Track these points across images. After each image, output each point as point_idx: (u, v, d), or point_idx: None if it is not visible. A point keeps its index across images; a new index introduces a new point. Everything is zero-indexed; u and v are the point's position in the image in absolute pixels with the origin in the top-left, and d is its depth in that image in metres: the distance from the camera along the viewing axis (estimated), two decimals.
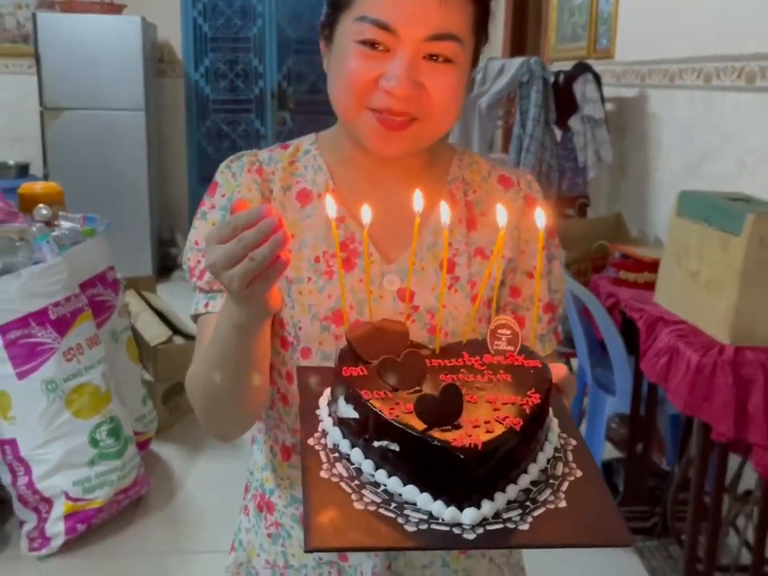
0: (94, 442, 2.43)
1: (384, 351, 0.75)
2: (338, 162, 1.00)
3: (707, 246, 2.07)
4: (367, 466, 0.70)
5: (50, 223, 2.66)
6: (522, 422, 0.67)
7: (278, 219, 0.71)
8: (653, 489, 2.58)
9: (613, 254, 2.69)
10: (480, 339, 0.83)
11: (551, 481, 0.70)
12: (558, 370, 0.82)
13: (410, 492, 0.67)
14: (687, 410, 1.95)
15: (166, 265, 5.68)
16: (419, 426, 0.67)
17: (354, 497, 0.67)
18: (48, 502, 2.38)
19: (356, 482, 0.69)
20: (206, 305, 0.96)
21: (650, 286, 2.37)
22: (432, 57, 0.87)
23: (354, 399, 0.72)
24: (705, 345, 1.96)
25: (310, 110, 5.96)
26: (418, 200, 0.81)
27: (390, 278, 0.96)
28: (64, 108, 5.15)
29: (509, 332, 0.79)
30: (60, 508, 2.38)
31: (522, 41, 5.26)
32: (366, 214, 0.79)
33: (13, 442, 2.36)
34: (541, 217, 0.84)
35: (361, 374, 0.75)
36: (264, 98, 6.04)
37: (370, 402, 0.70)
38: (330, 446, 0.73)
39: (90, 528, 2.45)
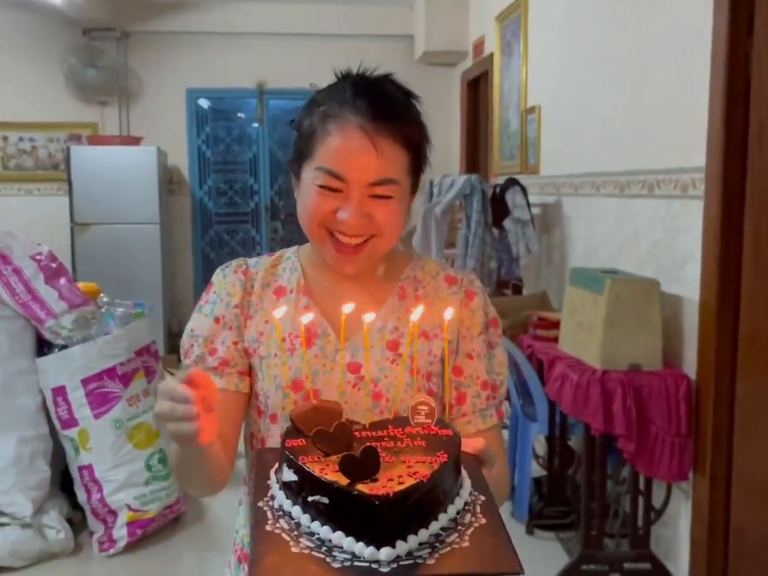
0: (149, 467, 3.22)
1: (321, 426, 0.88)
2: (311, 266, 1.22)
3: (586, 303, 2.97)
4: (305, 519, 0.82)
5: (109, 307, 3.54)
6: (428, 475, 0.80)
7: (194, 413, 0.86)
8: (570, 494, 3.39)
9: (532, 318, 3.58)
10: (403, 417, 0.96)
11: (459, 527, 0.83)
12: (476, 443, 0.96)
13: (338, 537, 0.79)
14: (572, 414, 2.81)
15: (175, 352, 6.52)
16: (344, 481, 0.80)
17: (291, 543, 0.79)
18: (114, 513, 3.17)
19: (295, 532, 0.81)
20: None
21: (557, 338, 3.26)
22: (375, 196, 1.09)
23: (293, 465, 0.85)
24: (584, 370, 2.83)
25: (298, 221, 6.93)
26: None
27: (342, 354, 1.15)
28: (91, 223, 6.07)
29: (427, 408, 0.93)
30: (123, 517, 3.16)
31: (475, 159, 6.31)
32: (307, 318, 1.03)
33: (90, 467, 3.15)
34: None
35: (300, 444, 0.88)
36: (259, 210, 7.03)
37: (306, 465, 0.83)
38: (275, 506, 0.86)
39: (146, 533, 3.22)
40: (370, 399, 1.08)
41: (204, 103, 6.94)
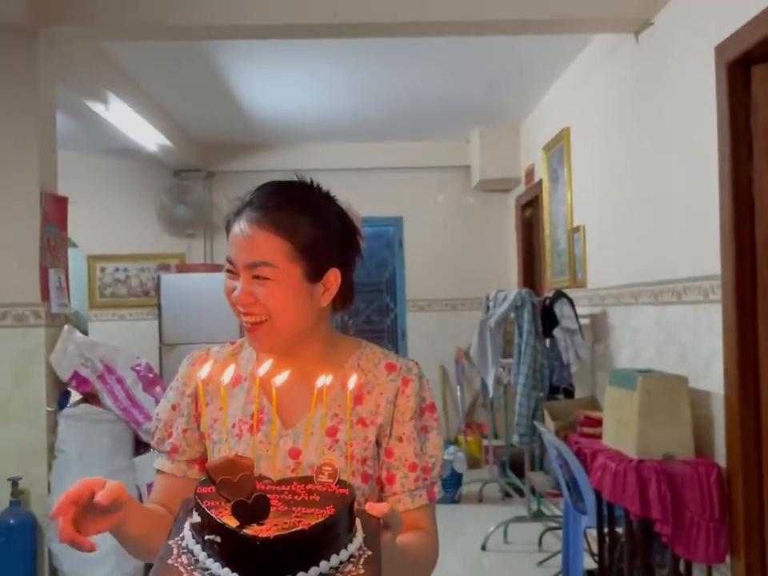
0: None
1: (232, 478, 0.95)
2: (264, 354, 1.29)
3: (623, 400, 3.28)
4: (203, 556, 0.91)
5: None
6: (310, 524, 0.88)
7: (61, 529, 1.03)
8: None
9: (580, 417, 3.87)
10: (309, 476, 1.02)
11: (338, 575, 0.90)
12: (381, 507, 1.02)
13: (225, 573, 0.87)
14: (612, 500, 3.07)
15: None
16: (235, 523, 0.88)
17: (185, 574, 0.89)
18: None
19: (191, 567, 0.90)
20: (155, 462, 1.34)
21: (601, 435, 3.55)
22: (257, 277, 1.22)
23: (198, 508, 0.93)
24: (621, 459, 3.11)
25: (366, 336, 7.39)
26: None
27: (285, 440, 1.23)
28: (177, 343, 6.63)
29: (330, 468, 1.00)
30: None
31: (530, 276, 6.72)
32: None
33: None
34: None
35: (209, 491, 0.96)
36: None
37: (207, 508, 0.91)
38: (183, 545, 0.95)
39: None
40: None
41: None
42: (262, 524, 0.89)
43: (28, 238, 3.54)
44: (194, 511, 0.96)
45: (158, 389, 3.76)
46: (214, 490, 0.95)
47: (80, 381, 3.61)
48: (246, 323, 1.24)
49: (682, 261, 3.46)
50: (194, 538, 0.94)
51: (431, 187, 7.46)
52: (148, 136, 5.95)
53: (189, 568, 0.90)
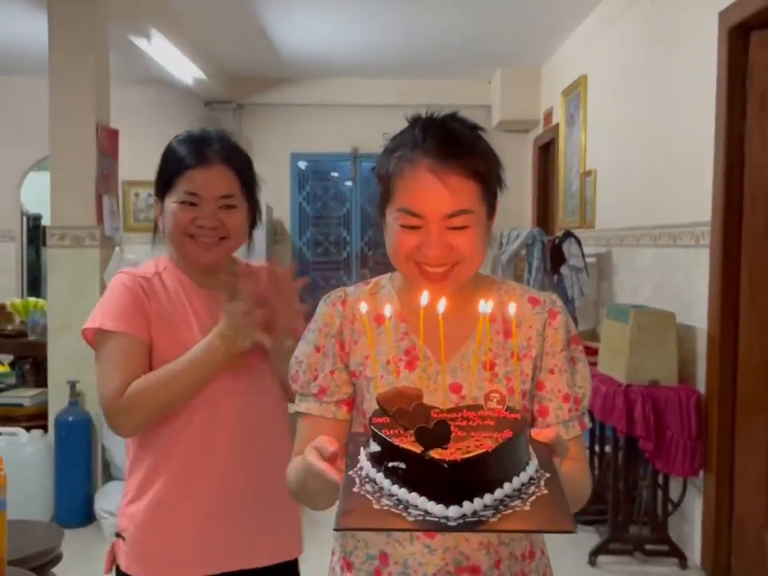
0: None
1: (406, 407, 0.99)
2: (405, 293, 1.28)
3: (616, 332, 3.65)
4: (386, 483, 0.94)
5: None
6: (493, 447, 0.91)
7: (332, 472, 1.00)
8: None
9: None
10: (478, 404, 1.05)
11: (522, 496, 0.92)
12: (548, 432, 1.04)
13: (413, 497, 0.91)
14: (601, 419, 3.48)
15: None
16: (418, 449, 0.91)
17: (373, 502, 0.92)
18: None
19: (377, 494, 0.94)
20: (298, 404, 1.30)
21: (597, 363, 3.93)
22: (452, 227, 1.17)
23: (377, 437, 0.97)
24: (612, 384, 3.51)
25: (384, 268, 7.76)
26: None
27: (443, 375, 1.18)
28: None
29: (498, 395, 1.02)
30: None
31: (544, 215, 7.03)
32: (388, 310, 1.11)
33: None
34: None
35: (384, 421, 0.99)
36: (350, 259, 7.91)
37: (387, 436, 0.95)
38: (363, 474, 0.98)
39: None
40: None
41: (303, 165, 7.91)
42: (444, 449, 0.91)
43: (85, 168, 3.91)
44: (371, 441, 0.98)
45: None
46: (388, 420, 0.98)
47: None
48: (429, 275, 1.20)
49: (679, 207, 3.79)
50: (373, 467, 0.97)
51: None
52: (183, 68, 6.23)
53: (375, 495, 0.92)
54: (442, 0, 5.16)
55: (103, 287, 4.00)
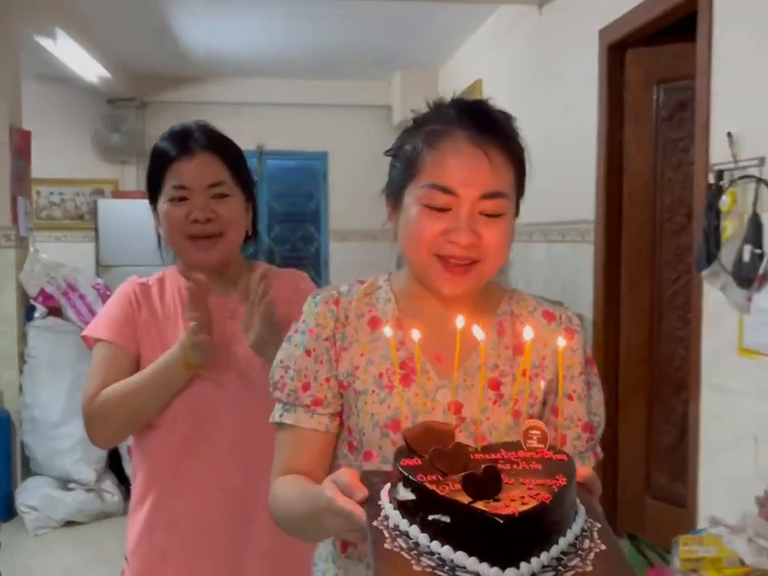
0: None
1: (434, 446, 0.87)
2: (405, 296, 1.16)
3: None
4: (423, 538, 0.81)
5: None
6: (550, 498, 0.80)
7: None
8: None
9: None
10: (514, 441, 0.94)
11: (579, 552, 0.82)
12: (582, 471, 0.93)
13: (460, 557, 0.78)
14: None
15: None
16: (466, 499, 0.79)
17: (413, 562, 0.79)
18: None
19: (414, 551, 0.81)
20: (281, 415, 1.14)
21: None
22: (485, 214, 1.05)
23: (411, 483, 0.84)
24: None
25: (291, 264, 7.96)
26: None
27: (443, 392, 1.09)
28: (113, 265, 7.04)
29: (539, 432, 0.92)
30: None
31: None
32: (416, 334, 0.94)
33: None
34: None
35: (416, 464, 0.87)
36: (257, 256, 8.04)
37: (425, 483, 0.83)
38: (391, 525, 0.85)
39: None
40: (471, 442, 1.00)
41: None
42: (497, 500, 0.80)
43: None
44: (401, 487, 0.86)
45: None
46: (420, 462, 0.87)
47: (46, 297, 4.10)
48: (452, 265, 1.07)
49: (567, 206, 4.16)
50: (404, 518, 0.85)
51: (354, 125, 7.97)
52: (86, 66, 6.23)
53: (412, 553, 0.81)
54: (346, 3, 5.39)
55: (19, 286, 4.07)
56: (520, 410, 1.11)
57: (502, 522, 0.76)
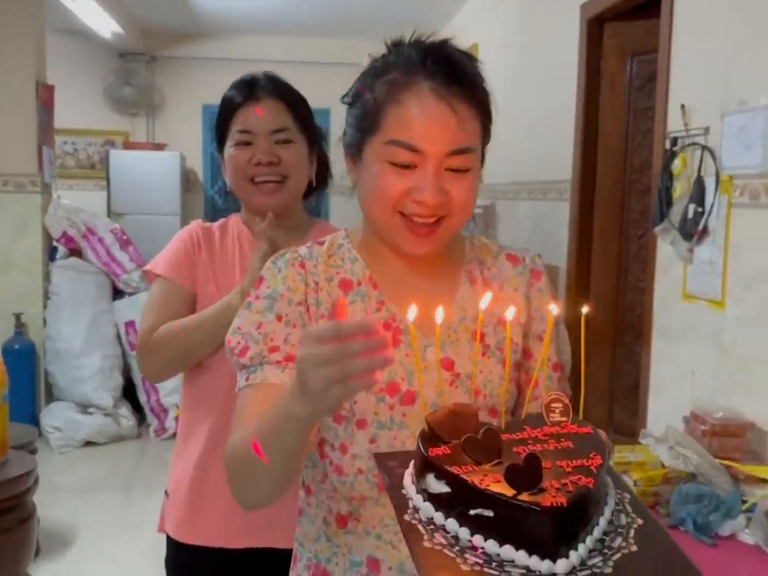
0: None
1: (459, 431, 0.83)
2: (369, 254, 1.11)
3: None
4: (463, 533, 0.77)
5: None
6: (593, 481, 0.77)
7: (388, 339, 0.77)
8: None
9: None
10: (535, 414, 0.92)
11: (619, 530, 0.80)
12: (600, 435, 0.91)
13: (507, 551, 0.75)
14: None
15: None
16: (509, 492, 0.75)
17: (459, 560, 0.75)
18: (166, 410, 4.52)
19: (456, 548, 0.77)
20: (247, 378, 1.05)
21: None
22: (452, 170, 1.00)
23: (445, 475, 0.80)
24: None
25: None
26: (484, 300, 0.91)
27: (430, 350, 1.05)
28: (124, 213, 7.40)
29: (561, 405, 0.90)
30: (173, 413, 4.51)
31: None
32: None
33: None
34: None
35: (446, 452, 0.83)
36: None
37: (461, 475, 0.78)
38: (424, 519, 0.80)
39: None
40: (468, 397, 0.98)
41: (216, 117, 8.30)
42: (542, 489, 0.76)
43: (27, 121, 4.31)
44: (432, 478, 0.82)
45: (131, 248, 4.66)
46: (450, 450, 0.83)
47: (68, 239, 4.47)
48: (417, 225, 1.02)
49: (548, 167, 4.50)
50: (438, 511, 0.81)
51: (346, 82, 8.23)
52: (100, 21, 6.51)
53: (455, 550, 0.77)
54: None
55: (44, 229, 4.44)
56: (507, 358, 1.07)
57: (550, 514, 0.74)
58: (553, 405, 0.91)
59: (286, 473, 0.94)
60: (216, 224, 1.69)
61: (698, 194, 2.81)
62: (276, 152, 1.57)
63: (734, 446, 2.40)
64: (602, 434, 0.93)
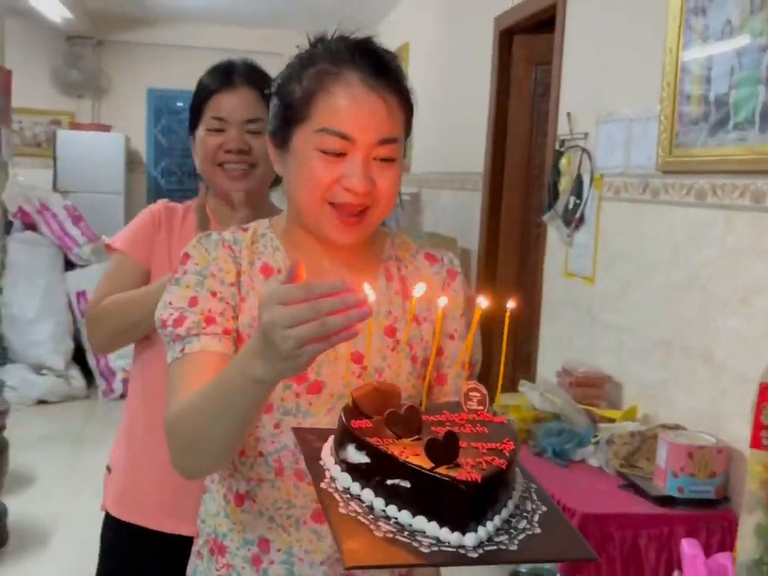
0: None
1: (382, 408, 0.87)
2: (290, 244, 1.13)
3: None
4: (378, 503, 0.81)
5: None
6: (506, 463, 0.83)
7: (364, 296, 0.79)
8: None
9: None
10: (454, 402, 0.97)
11: (525, 513, 0.86)
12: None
13: (419, 522, 0.78)
14: None
15: None
16: (427, 465, 0.79)
17: (372, 527, 0.79)
18: (114, 372, 4.92)
19: (370, 516, 0.80)
20: (182, 350, 1.04)
21: None
22: (380, 159, 1.03)
23: (365, 446, 0.83)
24: None
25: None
26: (419, 289, 0.94)
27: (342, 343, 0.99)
28: (70, 191, 7.69)
29: (478, 395, 0.94)
30: (120, 375, 4.92)
31: None
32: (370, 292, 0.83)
33: None
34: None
35: (367, 425, 0.86)
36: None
37: (381, 447, 0.82)
38: (340, 488, 0.83)
39: None
40: None
41: (158, 100, 8.65)
42: (458, 465, 0.80)
43: None
44: (352, 449, 0.85)
45: (82, 224, 5.05)
46: (371, 424, 0.87)
47: (24, 214, 4.84)
48: (345, 214, 1.04)
49: (466, 160, 5.04)
50: (355, 481, 0.84)
51: None
52: (50, 4, 6.71)
53: (369, 518, 0.80)
54: None
55: (1, 205, 4.80)
56: (416, 354, 1.13)
57: (464, 488, 0.77)
58: (471, 393, 0.95)
59: (239, 436, 0.96)
60: (182, 205, 1.72)
61: (577, 189, 3.37)
62: (247, 141, 1.58)
63: (594, 395, 2.97)
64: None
